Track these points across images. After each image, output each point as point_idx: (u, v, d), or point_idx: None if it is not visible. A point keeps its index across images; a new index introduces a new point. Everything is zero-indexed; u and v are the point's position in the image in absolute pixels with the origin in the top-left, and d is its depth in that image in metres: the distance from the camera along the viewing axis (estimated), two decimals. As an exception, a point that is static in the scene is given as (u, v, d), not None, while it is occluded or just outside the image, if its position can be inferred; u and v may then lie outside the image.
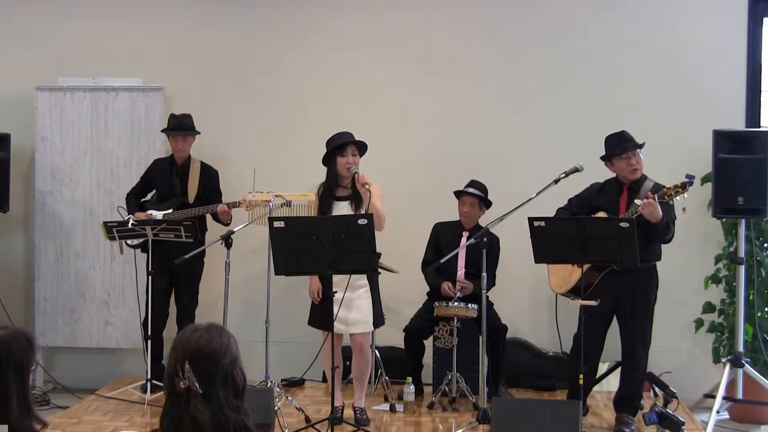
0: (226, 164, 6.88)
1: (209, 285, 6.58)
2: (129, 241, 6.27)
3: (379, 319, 5.65)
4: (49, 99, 6.92)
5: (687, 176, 5.15)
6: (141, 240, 6.19)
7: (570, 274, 5.55)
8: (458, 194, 6.38)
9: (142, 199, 6.55)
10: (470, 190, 6.34)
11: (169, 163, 6.52)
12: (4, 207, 6.69)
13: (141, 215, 6.26)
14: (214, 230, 6.35)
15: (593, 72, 6.91)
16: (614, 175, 5.61)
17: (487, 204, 6.35)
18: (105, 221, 6.12)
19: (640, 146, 5.49)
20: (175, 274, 6.35)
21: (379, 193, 5.51)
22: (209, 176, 6.54)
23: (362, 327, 5.53)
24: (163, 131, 6.57)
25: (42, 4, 7.24)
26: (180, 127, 6.43)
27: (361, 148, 5.65)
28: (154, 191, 6.57)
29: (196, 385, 2.32)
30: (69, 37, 7.19)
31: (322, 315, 5.50)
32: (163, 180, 6.48)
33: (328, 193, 5.63)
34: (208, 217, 6.44)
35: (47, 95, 6.92)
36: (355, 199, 5.55)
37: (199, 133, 6.51)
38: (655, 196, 5.18)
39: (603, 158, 5.59)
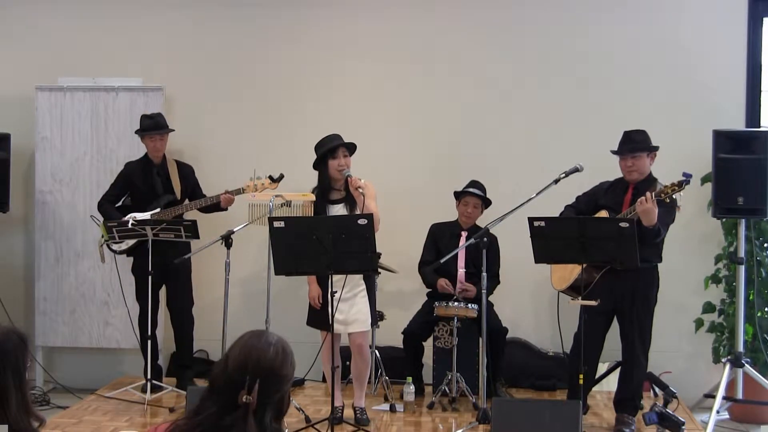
0: (226, 164, 6.88)
1: (209, 285, 6.58)
2: (114, 247, 6.24)
3: (374, 321, 5.65)
4: (49, 99, 6.92)
5: (684, 174, 5.14)
6: (126, 245, 6.15)
7: (570, 271, 5.56)
8: (461, 194, 6.37)
9: (116, 205, 6.40)
10: (474, 190, 6.33)
11: (145, 164, 6.40)
12: (4, 207, 6.69)
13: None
14: (208, 228, 6.22)
15: (593, 72, 6.91)
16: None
17: (488, 204, 6.36)
18: (105, 221, 6.11)
19: (639, 150, 5.46)
20: (165, 276, 6.27)
21: (373, 194, 5.50)
22: (188, 173, 6.49)
23: (360, 326, 5.52)
24: (137, 132, 6.43)
25: (42, 4, 7.24)
26: (157, 126, 6.35)
27: (350, 148, 5.64)
28: (127, 195, 6.44)
29: (257, 402, 2.30)
30: (69, 37, 7.19)
31: (320, 315, 5.51)
32: (144, 182, 6.36)
33: (321, 197, 5.62)
34: (196, 213, 6.33)
35: (47, 95, 6.92)
36: (349, 201, 5.54)
37: (173, 130, 6.47)
38: (653, 194, 5.17)
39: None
